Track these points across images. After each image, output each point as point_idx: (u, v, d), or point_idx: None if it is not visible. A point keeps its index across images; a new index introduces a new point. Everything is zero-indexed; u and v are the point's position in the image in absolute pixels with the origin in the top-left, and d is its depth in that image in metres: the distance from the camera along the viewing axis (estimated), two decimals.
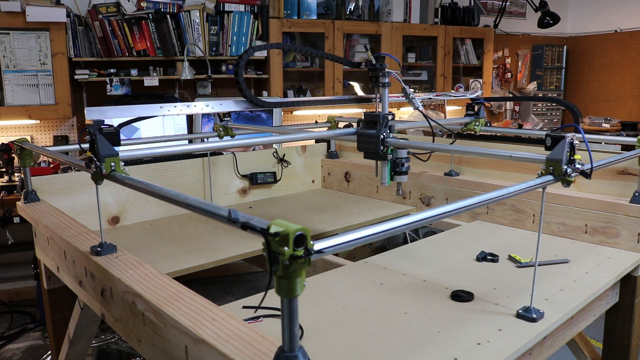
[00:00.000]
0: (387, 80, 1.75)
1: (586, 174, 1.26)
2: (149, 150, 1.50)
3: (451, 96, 2.86)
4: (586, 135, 1.38)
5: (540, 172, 1.25)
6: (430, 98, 2.36)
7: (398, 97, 1.96)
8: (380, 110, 1.76)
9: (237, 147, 1.84)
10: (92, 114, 1.52)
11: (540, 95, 6.05)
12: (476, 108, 2.19)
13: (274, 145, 2.75)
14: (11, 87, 3.57)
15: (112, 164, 1.30)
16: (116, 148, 1.34)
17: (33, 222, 1.81)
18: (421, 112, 1.83)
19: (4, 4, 3.44)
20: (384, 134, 1.70)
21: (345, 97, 2.21)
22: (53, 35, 3.59)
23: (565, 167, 1.22)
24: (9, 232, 2.88)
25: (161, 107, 1.65)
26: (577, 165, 1.24)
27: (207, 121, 4.10)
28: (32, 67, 3.60)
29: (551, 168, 1.24)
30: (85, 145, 1.38)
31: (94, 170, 1.30)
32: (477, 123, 2.18)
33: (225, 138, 2.37)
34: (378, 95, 1.77)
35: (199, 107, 1.77)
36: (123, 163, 1.33)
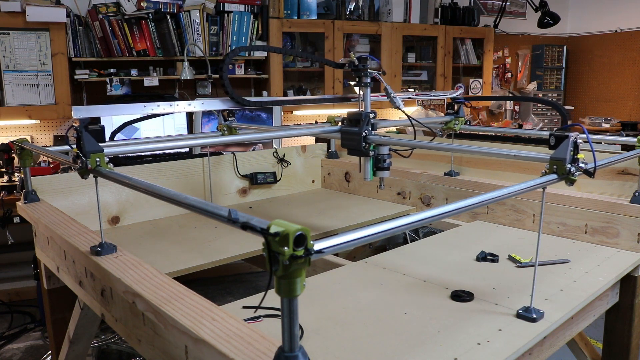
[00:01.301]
0: (368, 80, 1.80)
1: (589, 173, 1.27)
2: (133, 146, 1.52)
3: (430, 96, 2.89)
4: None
5: (544, 170, 1.27)
6: (409, 97, 2.44)
7: (377, 96, 2.03)
8: (362, 109, 1.81)
9: (225, 144, 1.87)
10: (79, 112, 1.54)
11: (540, 95, 6.04)
12: (456, 107, 2.26)
13: (274, 145, 2.75)
14: (11, 87, 3.57)
15: (97, 159, 1.34)
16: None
17: (33, 222, 1.81)
18: (402, 111, 1.90)
19: (4, 4, 3.44)
20: (366, 131, 1.75)
21: (330, 97, 2.29)
22: (53, 35, 3.59)
23: (569, 166, 1.24)
24: (9, 232, 2.89)
25: (144, 106, 1.68)
26: (581, 164, 1.25)
27: (207, 121, 4.09)
28: (32, 67, 3.60)
29: (555, 167, 1.25)
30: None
31: (80, 165, 1.34)
32: (457, 122, 2.25)
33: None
34: (361, 95, 1.82)
35: (182, 106, 1.83)
36: (108, 159, 1.37)
